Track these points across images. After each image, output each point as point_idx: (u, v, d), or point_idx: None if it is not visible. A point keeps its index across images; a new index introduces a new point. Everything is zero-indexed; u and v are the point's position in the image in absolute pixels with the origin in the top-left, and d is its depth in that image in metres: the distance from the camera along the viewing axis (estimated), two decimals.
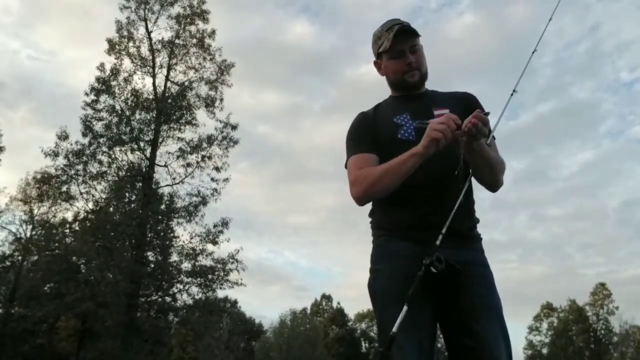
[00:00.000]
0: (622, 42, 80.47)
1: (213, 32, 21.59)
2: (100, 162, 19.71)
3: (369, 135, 1.97)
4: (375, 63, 2.07)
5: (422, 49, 2.02)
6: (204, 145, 20.58)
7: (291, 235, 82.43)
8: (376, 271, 1.87)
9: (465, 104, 1.95)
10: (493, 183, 1.91)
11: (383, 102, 2.11)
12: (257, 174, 73.23)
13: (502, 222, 74.12)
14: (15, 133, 50.56)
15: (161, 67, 21.30)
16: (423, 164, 1.78)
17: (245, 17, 65.97)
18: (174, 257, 20.11)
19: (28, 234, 28.04)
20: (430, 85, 2.09)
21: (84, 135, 19.61)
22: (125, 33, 20.84)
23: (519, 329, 53.01)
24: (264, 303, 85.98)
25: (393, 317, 1.67)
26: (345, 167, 2.00)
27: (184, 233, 20.58)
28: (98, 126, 19.82)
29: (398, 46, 1.95)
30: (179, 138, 20.72)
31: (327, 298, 60.54)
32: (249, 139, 66.23)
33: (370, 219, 2.02)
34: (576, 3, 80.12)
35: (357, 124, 2.04)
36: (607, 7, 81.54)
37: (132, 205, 20.02)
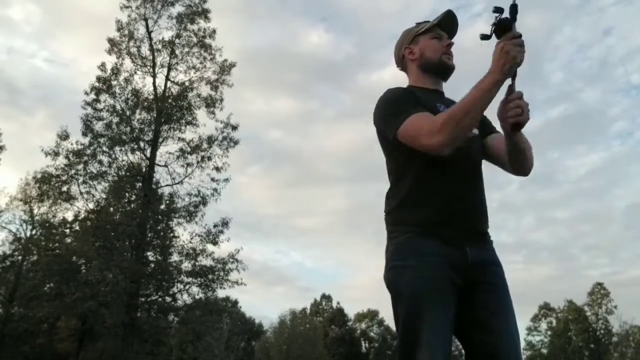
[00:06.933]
0: (635, 44, 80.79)
1: (214, 31, 21.57)
2: (101, 162, 19.68)
3: (418, 105, 1.85)
4: (406, 48, 2.04)
5: None
6: (204, 145, 20.58)
7: (298, 237, 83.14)
8: (402, 267, 1.79)
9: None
10: (530, 167, 1.91)
11: (413, 88, 2.01)
12: (268, 177, 74.35)
13: (508, 224, 74.44)
14: (31, 138, 51.14)
15: (162, 66, 21.29)
16: (457, 162, 1.80)
17: (263, 26, 67.05)
18: (174, 257, 20.09)
19: (28, 234, 28.05)
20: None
21: (84, 134, 19.59)
22: (125, 32, 20.84)
23: (522, 329, 53.02)
24: (270, 304, 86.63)
25: (424, 317, 1.67)
26: (392, 134, 1.83)
27: (184, 233, 20.60)
28: (98, 126, 19.83)
29: (444, 26, 1.98)
30: (179, 138, 20.72)
31: (326, 298, 60.55)
32: (261, 144, 67.45)
33: (388, 215, 1.93)
34: (590, 7, 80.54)
35: (403, 92, 1.93)
36: (622, 10, 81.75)
37: (132, 205, 20.00)
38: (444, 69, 1.99)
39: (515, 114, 1.66)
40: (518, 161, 1.86)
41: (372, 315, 60.92)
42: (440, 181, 1.82)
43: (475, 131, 1.92)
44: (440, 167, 1.81)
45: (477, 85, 1.65)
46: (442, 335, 1.67)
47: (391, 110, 1.85)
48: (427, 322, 1.66)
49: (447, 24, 1.99)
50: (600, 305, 49.93)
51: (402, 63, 2.09)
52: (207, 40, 21.47)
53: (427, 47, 1.99)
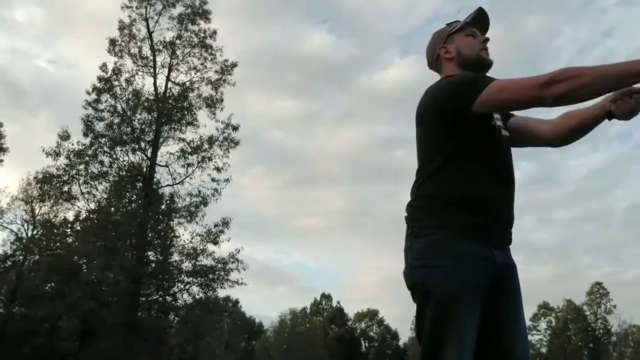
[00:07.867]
0: (636, 45, 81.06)
1: (214, 32, 21.65)
2: (102, 162, 19.76)
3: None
4: (441, 48, 2.02)
5: None
6: (205, 146, 20.65)
7: (299, 238, 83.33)
8: (435, 267, 1.71)
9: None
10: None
11: None
12: (270, 178, 74.56)
13: None
14: (34, 139, 51.37)
15: (162, 67, 21.37)
16: (504, 165, 1.84)
17: (265, 28, 67.45)
18: (175, 257, 20.18)
19: (29, 234, 28.12)
20: None
21: (85, 135, 19.66)
22: (127, 32, 20.90)
23: None
24: (270, 303, 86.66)
25: (454, 319, 1.65)
26: (470, 101, 1.72)
27: (184, 233, 20.69)
28: (99, 126, 19.91)
29: (476, 24, 2.00)
30: (180, 138, 20.79)
31: (326, 298, 60.60)
32: (263, 144, 67.63)
33: (417, 208, 1.84)
34: (591, 8, 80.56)
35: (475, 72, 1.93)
36: (622, 12, 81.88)
37: (133, 205, 20.08)
38: (483, 65, 1.96)
39: (631, 106, 1.70)
40: (576, 138, 1.97)
41: (371, 314, 61.01)
42: (487, 183, 1.79)
43: (506, 133, 1.94)
44: (490, 166, 1.81)
45: (620, 63, 1.54)
46: (470, 339, 1.65)
47: (467, 82, 1.79)
48: (456, 325, 1.64)
49: (480, 21, 2.01)
50: (599, 304, 50.02)
51: (436, 63, 2.06)
52: (208, 41, 21.56)
53: (464, 45, 1.98)
